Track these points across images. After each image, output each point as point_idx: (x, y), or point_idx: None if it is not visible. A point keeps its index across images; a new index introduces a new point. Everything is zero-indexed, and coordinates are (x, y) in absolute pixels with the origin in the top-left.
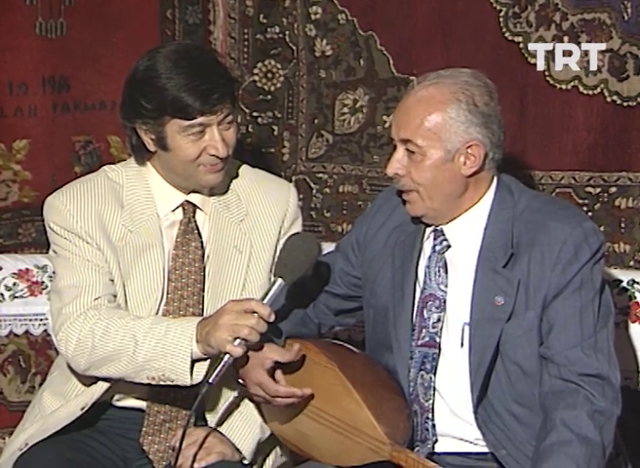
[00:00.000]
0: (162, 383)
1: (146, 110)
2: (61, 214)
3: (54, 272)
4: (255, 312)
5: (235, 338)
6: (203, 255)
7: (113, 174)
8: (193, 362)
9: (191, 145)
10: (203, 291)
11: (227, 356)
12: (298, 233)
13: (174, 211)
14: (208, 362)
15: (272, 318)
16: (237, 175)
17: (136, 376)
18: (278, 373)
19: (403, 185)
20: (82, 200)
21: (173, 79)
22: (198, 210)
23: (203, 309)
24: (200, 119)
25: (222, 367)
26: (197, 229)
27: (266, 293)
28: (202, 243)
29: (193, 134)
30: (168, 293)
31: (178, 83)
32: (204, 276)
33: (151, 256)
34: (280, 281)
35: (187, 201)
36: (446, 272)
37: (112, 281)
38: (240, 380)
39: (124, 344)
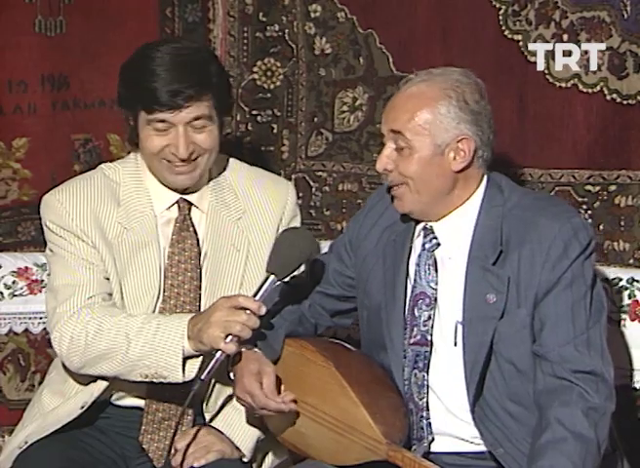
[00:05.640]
0: (155, 381)
1: (124, 99)
2: (57, 212)
3: (49, 272)
4: (245, 308)
5: (227, 335)
6: (199, 253)
7: (110, 171)
8: (185, 358)
9: (155, 139)
10: (200, 288)
11: (220, 353)
12: (291, 228)
13: (169, 208)
14: (200, 358)
15: (263, 311)
16: (235, 174)
17: (129, 374)
18: (270, 385)
19: (392, 180)
20: (78, 198)
21: (148, 72)
22: (194, 207)
23: (200, 307)
24: (162, 115)
25: (215, 363)
26: (193, 226)
27: (258, 289)
28: (198, 240)
29: (157, 129)
30: (164, 291)
31: (151, 76)
32: (200, 273)
33: (147, 254)
34: (272, 277)
35: (183, 198)
36: (436, 270)
37: (108, 279)
38: (231, 376)
39: (116, 342)
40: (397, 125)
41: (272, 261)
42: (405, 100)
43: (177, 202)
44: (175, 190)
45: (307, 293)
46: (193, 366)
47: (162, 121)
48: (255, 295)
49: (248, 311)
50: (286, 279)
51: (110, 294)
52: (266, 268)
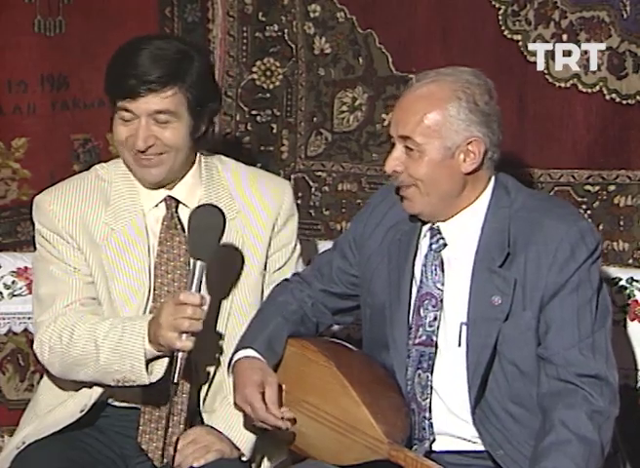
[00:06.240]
0: (127, 385)
1: (104, 89)
2: (45, 214)
3: (34, 276)
4: (187, 303)
5: (181, 333)
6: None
7: (103, 171)
8: (150, 360)
9: (121, 128)
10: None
11: (180, 353)
12: (195, 209)
13: (157, 205)
14: (166, 359)
15: (205, 302)
16: (230, 173)
17: (103, 379)
18: (272, 397)
19: (401, 181)
20: (67, 200)
21: (120, 62)
22: (182, 205)
23: None
24: (124, 103)
25: (181, 363)
26: (180, 224)
27: (192, 280)
28: (186, 238)
29: (123, 118)
30: (154, 290)
31: (120, 66)
32: None
33: (136, 254)
34: (199, 263)
35: (169, 196)
36: (442, 270)
37: (91, 283)
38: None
39: (87, 349)
40: (407, 130)
41: (192, 248)
42: (414, 101)
43: (164, 199)
44: (160, 187)
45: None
46: (159, 367)
47: (126, 110)
48: (190, 288)
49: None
50: (209, 260)
51: (93, 299)
52: (190, 255)
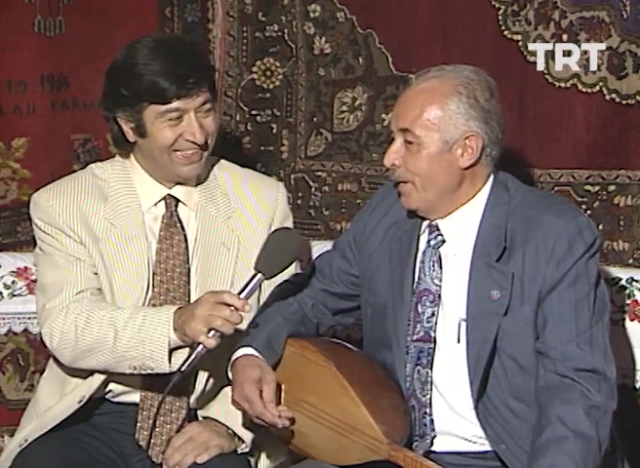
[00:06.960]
0: (143, 372)
1: (125, 98)
2: (45, 210)
3: (38, 270)
4: (230, 304)
5: (210, 329)
6: (187, 249)
7: (99, 170)
8: (173, 350)
9: (168, 130)
10: (189, 283)
11: (200, 346)
12: (282, 228)
13: (156, 204)
14: (187, 350)
15: (248, 309)
16: (225, 174)
17: (118, 366)
18: (270, 395)
19: (399, 176)
20: (65, 196)
21: (149, 65)
22: (181, 204)
23: (189, 302)
24: (176, 104)
25: (195, 356)
26: (180, 223)
27: (245, 287)
28: (185, 236)
29: (170, 119)
30: (154, 287)
31: (154, 69)
32: (189, 269)
33: (135, 248)
34: (259, 276)
35: (169, 194)
36: (440, 267)
37: (96, 274)
38: (230, 376)
39: (105, 335)
40: (406, 122)
41: (261, 260)
42: (416, 95)
43: (164, 198)
44: (166, 186)
45: (300, 292)
46: (180, 357)
47: (175, 110)
48: (240, 293)
49: (232, 307)
50: (272, 278)
51: (99, 289)
52: (254, 266)
